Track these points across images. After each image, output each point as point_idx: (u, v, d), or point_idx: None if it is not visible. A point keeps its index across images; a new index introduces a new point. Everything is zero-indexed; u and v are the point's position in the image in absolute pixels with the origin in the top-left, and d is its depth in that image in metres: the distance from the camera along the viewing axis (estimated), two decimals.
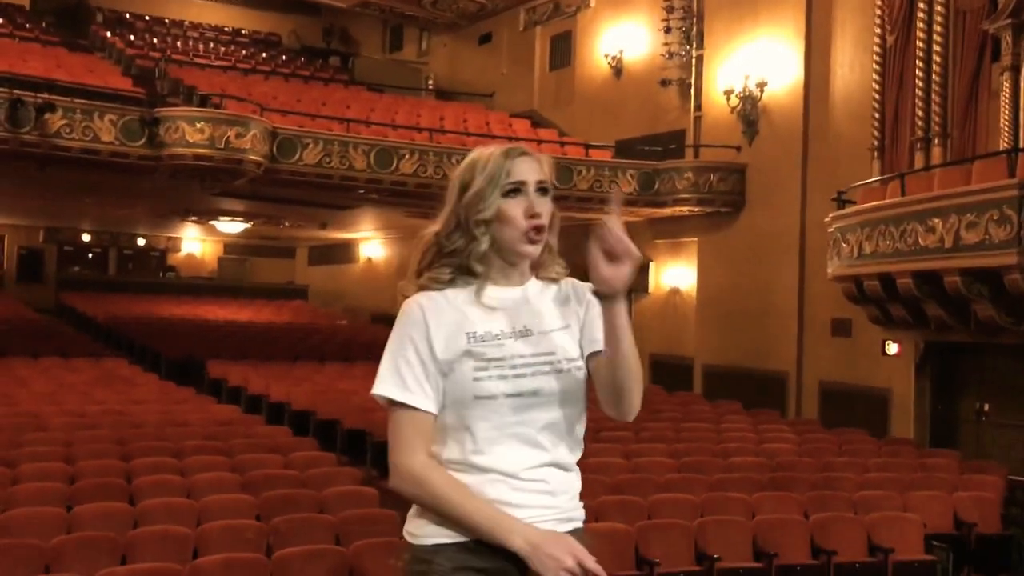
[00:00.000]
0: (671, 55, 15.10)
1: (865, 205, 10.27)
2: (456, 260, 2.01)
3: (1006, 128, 10.07)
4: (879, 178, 10.90)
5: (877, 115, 11.67)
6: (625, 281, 1.86)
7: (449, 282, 2.01)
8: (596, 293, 1.93)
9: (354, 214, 18.28)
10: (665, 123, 15.40)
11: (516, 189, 1.97)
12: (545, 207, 2.00)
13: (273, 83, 18.22)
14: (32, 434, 7.80)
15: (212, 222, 20.62)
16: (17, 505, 5.61)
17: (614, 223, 1.87)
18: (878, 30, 11.55)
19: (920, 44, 10.99)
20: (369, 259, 23.64)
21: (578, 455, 2.04)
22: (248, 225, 20.55)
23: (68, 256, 24.04)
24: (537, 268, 2.06)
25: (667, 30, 15.25)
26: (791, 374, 13.23)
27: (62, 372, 12.02)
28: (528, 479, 1.92)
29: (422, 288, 2.03)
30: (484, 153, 2.03)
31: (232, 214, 19.56)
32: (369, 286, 23.35)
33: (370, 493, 6.66)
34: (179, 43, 20.96)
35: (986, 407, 10.90)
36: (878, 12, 11.58)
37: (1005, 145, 9.83)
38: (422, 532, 1.94)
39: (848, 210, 10.73)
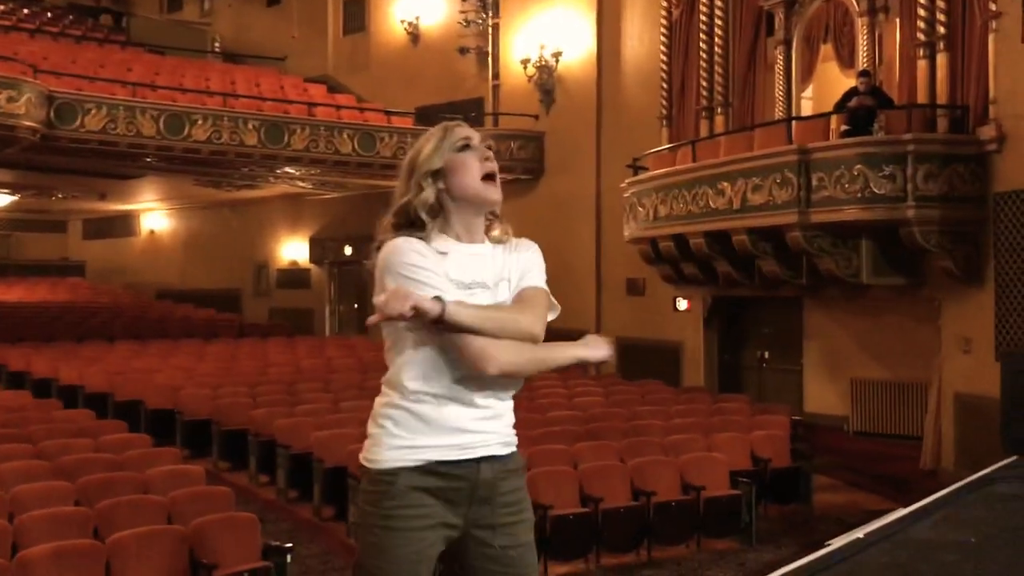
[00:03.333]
0: (468, 23, 15.23)
1: (659, 171, 10.89)
2: (403, 219, 2.20)
3: (780, 98, 11.01)
4: (669, 145, 11.58)
5: (665, 85, 12.38)
6: None
7: (397, 230, 2.21)
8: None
9: (136, 184, 17.28)
10: (464, 91, 15.56)
11: (466, 145, 2.23)
12: (493, 157, 2.27)
13: (41, 42, 16.77)
14: None
15: None
16: None
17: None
18: (664, 3, 12.23)
19: (703, 18, 11.75)
20: (152, 231, 22.40)
21: (513, 390, 2.28)
22: (14, 198, 18.90)
23: None
24: (488, 231, 2.30)
25: None
26: (591, 332, 13.81)
27: None
28: (482, 407, 2.19)
29: (389, 230, 2.20)
30: (426, 134, 2.28)
31: None
32: (153, 260, 22.15)
33: (195, 471, 6.43)
34: None
35: (766, 355, 11.95)
36: None
37: (780, 114, 10.75)
38: (381, 457, 2.16)
39: (643, 176, 11.35)
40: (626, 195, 11.74)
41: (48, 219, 23.54)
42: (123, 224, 22.90)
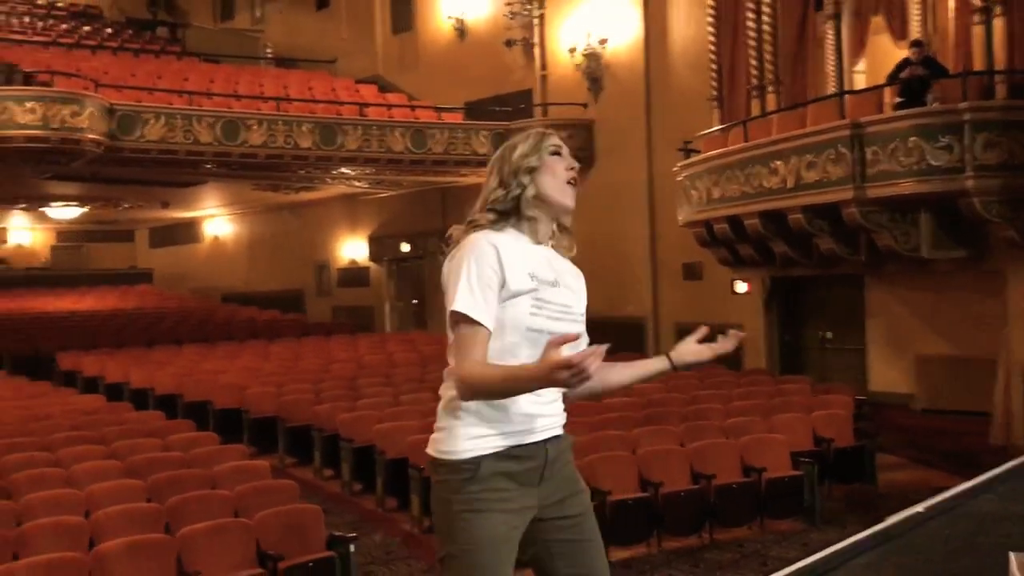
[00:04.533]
0: (513, 15, 15.24)
1: (711, 152, 10.80)
2: (503, 207, 2.33)
3: (832, 73, 10.81)
4: (720, 127, 11.47)
5: (714, 66, 12.25)
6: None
7: (495, 222, 2.32)
8: (671, 360, 2.43)
9: (197, 191, 17.68)
10: (512, 83, 15.59)
11: (557, 152, 2.37)
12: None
13: (102, 58, 17.26)
14: None
15: (43, 209, 19.45)
16: None
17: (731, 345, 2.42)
18: None
19: None
20: (215, 237, 22.90)
21: None
22: (84, 210, 19.50)
23: None
24: (555, 238, 2.42)
25: None
26: (648, 319, 13.82)
27: None
28: (547, 399, 2.32)
29: (475, 227, 2.31)
30: (517, 136, 2.41)
31: (65, 199, 18.51)
32: (217, 265, 22.66)
33: (261, 466, 6.61)
34: None
35: (828, 335, 11.77)
36: None
37: (832, 89, 10.55)
38: (460, 447, 2.26)
39: (695, 159, 11.26)
40: (679, 179, 11.67)
41: (116, 229, 24.25)
42: (187, 231, 23.46)
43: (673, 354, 2.43)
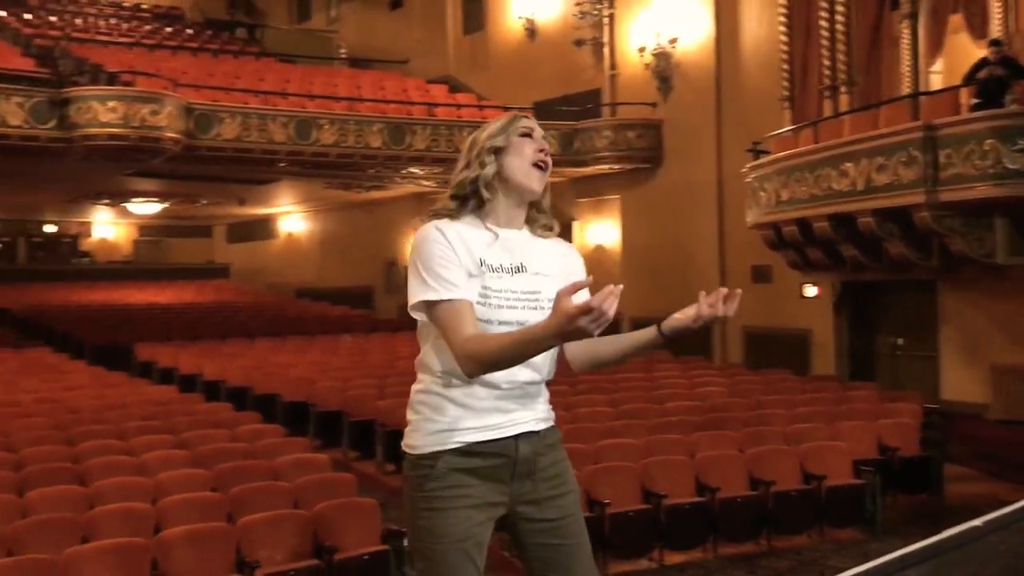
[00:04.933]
0: (583, 15, 15.23)
1: (780, 154, 10.64)
2: (464, 191, 2.28)
3: (907, 74, 10.56)
4: (791, 127, 11.29)
5: (786, 66, 12.06)
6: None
7: (456, 209, 2.27)
8: (662, 330, 2.26)
9: (272, 188, 18.07)
10: (581, 83, 15.58)
11: (527, 133, 2.30)
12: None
13: (182, 58, 17.79)
14: None
15: (125, 204, 20.11)
16: None
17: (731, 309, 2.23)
18: None
19: None
20: (290, 234, 23.37)
21: (551, 369, 2.31)
22: (164, 205, 20.11)
23: None
24: (530, 222, 2.35)
25: None
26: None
27: None
28: (507, 389, 2.21)
29: (435, 216, 2.27)
30: (505, 116, 2.37)
31: (146, 195, 19.12)
32: (292, 261, 23.12)
33: (321, 459, 6.76)
34: (77, 20, 20.24)
35: (900, 341, 11.50)
36: None
37: (907, 90, 10.31)
38: (421, 443, 2.23)
39: (764, 160, 11.10)
40: (747, 180, 11.52)
41: (195, 225, 24.93)
42: (263, 227, 23.99)
43: (663, 323, 2.29)
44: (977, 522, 3.16)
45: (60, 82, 12.53)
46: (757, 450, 6.89)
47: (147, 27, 21.11)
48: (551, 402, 2.36)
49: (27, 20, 18.64)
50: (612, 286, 1.87)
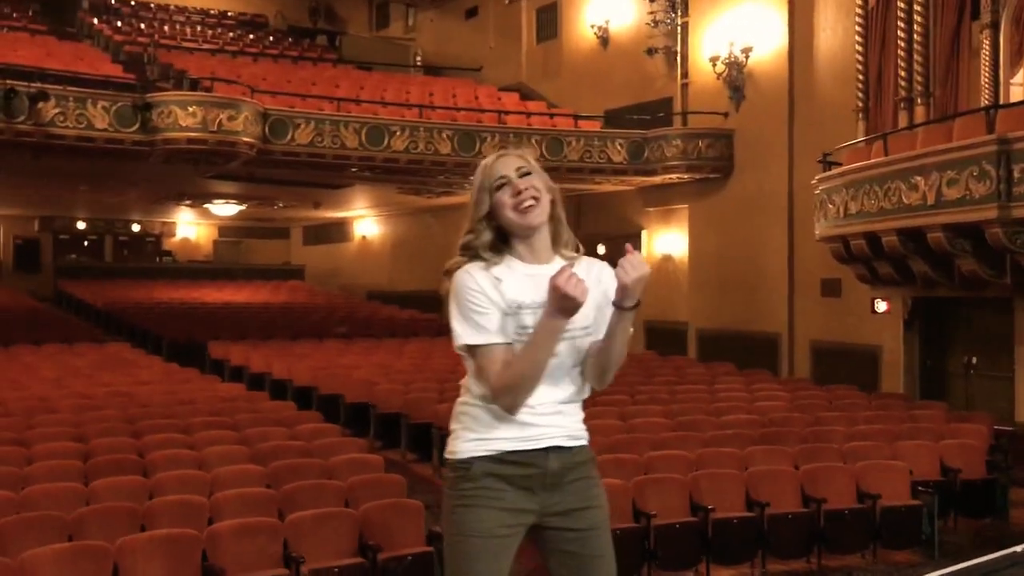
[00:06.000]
0: (656, 23, 15.19)
1: (850, 166, 10.44)
2: (469, 253, 2.46)
3: (987, 85, 10.24)
4: (863, 139, 11.07)
5: (861, 77, 11.82)
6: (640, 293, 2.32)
7: (476, 259, 2.44)
8: (620, 305, 2.33)
9: (347, 193, 18.41)
10: (653, 91, 15.52)
11: (503, 183, 2.42)
12: (530, 182, 2.41)
13: (262, 65, 18.28)
14: (42, 416, 7.98)
15: (206, 205, 20.74)
16: (35, 482, 5.81)
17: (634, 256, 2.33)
18: None
19: (901, 4, 11.11)
20: (363, 237, 23.78)
21: (580, 389, 2.49)
22: (242, 207, 20.67)
23: (64, 244, 24.14)
24: (557, 244, 2.48)
25: None
26: (783, 335, 13.46)
27: (66, 357, 12.20)
28: (542, 411, 2.40)
29: (462, 261, 2.44)
30: (480, 166, 2.50)
31: (226, 197, 19.69)
32: (364, 264, 23.52)
33: (375, 460, 6.89)
34: (166, 28, 20.97)
35: (974, 360, 11.15)
36: None
37: (986, 102, 10.00)
38: (459, 449, 2.43)
39: (833, 171, 10.90)
40: (816, 192, 11.33)
41: (273, 227, 25.57)
42: (338, 230, 24.46)
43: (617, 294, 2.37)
44: (1017, 548, 3.07)
45: (144, 87, 12.99)
46: (811, 466, 6.78)
47: (231, 34, 21.75)
48: (587, 422, 2.53)
49: (119, 28, 19.38)
50: (566, 264, 2.22)
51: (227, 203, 20.29)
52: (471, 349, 2.35)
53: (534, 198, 2.37)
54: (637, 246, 16.21)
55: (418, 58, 21.07)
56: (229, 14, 24.15)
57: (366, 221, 23.45)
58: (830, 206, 10.80)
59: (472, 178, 2.51)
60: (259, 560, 4.95)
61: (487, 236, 2.41)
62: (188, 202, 20.46)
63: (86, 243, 24.72)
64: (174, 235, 25.72)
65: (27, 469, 6.18)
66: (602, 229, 16.31)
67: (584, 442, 2.49)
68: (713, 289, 14.40)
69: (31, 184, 16.91)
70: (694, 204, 14.95)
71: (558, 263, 2.39)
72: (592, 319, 2.39)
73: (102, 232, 24.71)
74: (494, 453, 2.38)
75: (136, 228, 25.08)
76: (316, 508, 5.46)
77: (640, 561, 5.91)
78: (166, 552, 4.72)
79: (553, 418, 2.41)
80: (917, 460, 7.16)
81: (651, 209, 15.69)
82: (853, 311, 12.34)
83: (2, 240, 23.32)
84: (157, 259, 24.91)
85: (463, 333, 2.35)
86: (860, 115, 11.82)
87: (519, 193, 2.38)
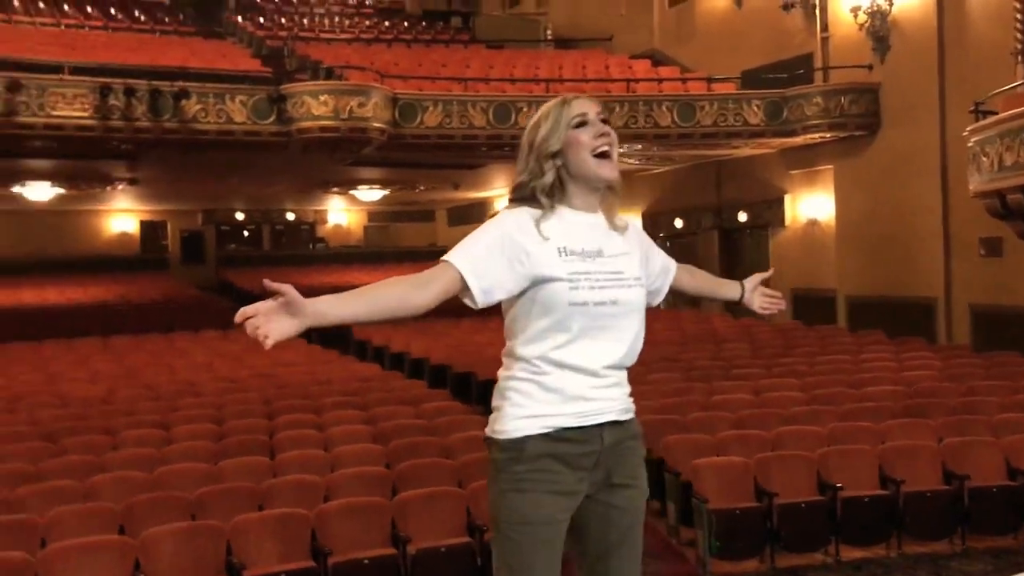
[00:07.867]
0: None
1: (1004, 114, 9.59)
2: (522, 194, 2.29)
3: None
4: (1019, 83, 10.15)
5: (1020, 15, 10.83)
6: None
7: (527, 202, 2.28)
8: (742, 297, 2.59)
9: (483, 172, 18.50)
10: (791, 48, 14.78)
11: (582, 122, 2.26)
12: (611, 130, 2.29)
13: (396, 51, 18.57)
14: (187, 399, 8.43)
15: (352, 191, 21.35)
16: (169, 463, 6.12)
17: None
18: None
19: None
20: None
21: (632, 360, 2.34)
22: (386, 192, 21.16)
23: (225, 235, 25.45)
24: (608, 214, 2.34)
25: None
26: (939, 299, 12.61)
27: (220, 343, 12.84)
28: (603, 375, 2.25)
29: (518, 202, 2.31)
30: (544, 108, 2.33)
31: (369, 182, 20.19)
32: None
33: None
34: (305, 20, 21.65)
35: None
36: None
37: None
38: (510, 427, 2.22)
39: (986, 121, 10.05)
40: (968, 144, 10.48)
41: (417, 210, 26.08)
42: (479, 210, 24.69)
43: (746, 294, 2.41)
44: None
45: (279, 79, 13.43)
46: (956, 440, 6.31)
47: (368, 23, 22.23)
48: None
49: (261, 24, 20.16)
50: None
51: (371, 188, 20.80)
52: (441, 260, 2.21)
53: (610, 142, 2.25)
54: (780, 212, 15.60)
55: (548, 32, 20.90)
56: (367, 3, 24.67)
57: (504, 200, 23.54)
58: (984, 159, 9.96)
59: (535, 116, 2.33)
60: (366, 539, 5.02)
61: (550, 177, 2.24)
62: (335, 189, 21.12)
63: (245, 233, 25.98)
64: (326, 222, 26.65)
65: (164, 450, 6.52)
66: (745, 196, 15.74)
67: (632, 414, 2.35)
68: (863, 253, 13.63)
69: (187, 179, 17.87)
70: (839, 164, 14.17)
71: (602, 219, 2.32)
72: (638, 271, 2.32)
73: (259, 222, 25.88)
74: (551, 430, 2.20)
75: (291, 217, 26.13)
76: (427, 487, 5.49)
77: (762, 542, 5.66)
78: (276, 532, 4.86)
79: (610, 391, 2.27)
80: None
81: (794, 172, 15.00)
82: (1018, 272, 11.40)
83: (170, 234, 24.82)
84: (311, 246, 25.89)
85: (453, 251, 2.21)
86: (1020, 58, 10.84)
87: (601, 135, 2.24)
